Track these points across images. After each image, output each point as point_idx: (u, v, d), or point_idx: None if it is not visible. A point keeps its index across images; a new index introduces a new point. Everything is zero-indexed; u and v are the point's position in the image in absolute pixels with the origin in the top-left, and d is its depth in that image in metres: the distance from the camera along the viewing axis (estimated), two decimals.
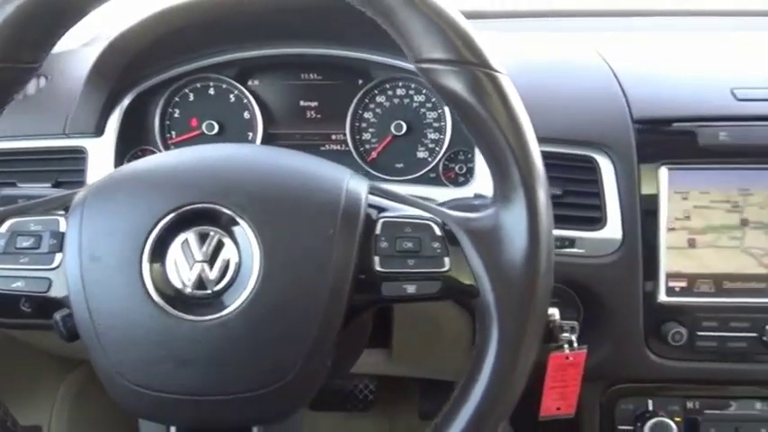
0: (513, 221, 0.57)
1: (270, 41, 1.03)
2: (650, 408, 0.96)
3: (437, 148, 1.02)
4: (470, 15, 1.19)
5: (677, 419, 0.97)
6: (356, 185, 0.61)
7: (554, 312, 0.87)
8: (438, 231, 0.59)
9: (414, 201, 0.63)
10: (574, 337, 0.86)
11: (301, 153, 0.64)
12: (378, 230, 0.59)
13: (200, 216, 0.57)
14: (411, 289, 0.57)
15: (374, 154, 1.05)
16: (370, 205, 0.61)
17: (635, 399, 0.97)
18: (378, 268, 0.58)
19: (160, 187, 0.58)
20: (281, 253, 0.55)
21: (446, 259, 0.58)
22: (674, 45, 1.13)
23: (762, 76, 0.94)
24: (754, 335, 0.87)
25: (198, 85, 1.05)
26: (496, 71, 0.57)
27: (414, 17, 0.56)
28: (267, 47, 1.03)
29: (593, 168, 0.89)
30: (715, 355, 0.88)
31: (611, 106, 0.90)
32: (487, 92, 0.56)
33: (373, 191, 0.63)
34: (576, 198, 0.89)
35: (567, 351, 0.87)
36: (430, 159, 1.03)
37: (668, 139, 0.88)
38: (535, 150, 0.57)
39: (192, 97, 1.06)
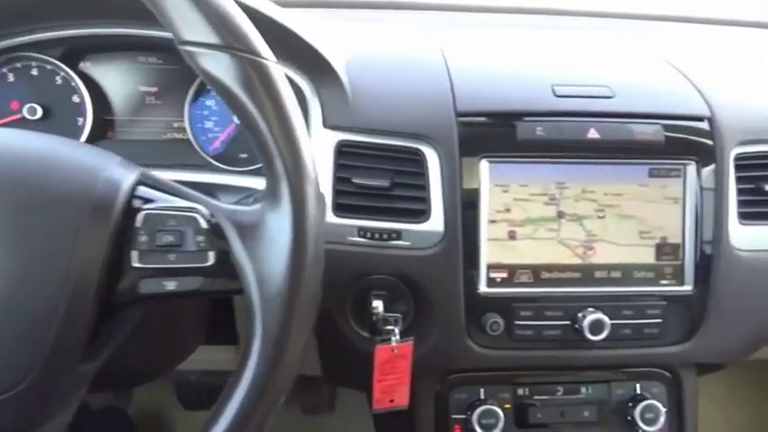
0: (278, 216, 0.54)
1: (100, 19, 0.97)
2: (482, 396, 0.99)
3: None
4: (324, 4, 1.16)
5: (507, 406, 1.00)
6: (120, 175, 0.57)
7: (378, 305, 0.87)
8: (204, 224, 0.56)
9: (184, 191, 0.59)
10: (397, 329, 0.87)
11: (61, 139, 0.60)
12: (138, 223, 0.56)
13: None
14: (171, 285, 0.55)
15: (217, 143, 1.01)
16: (137, 196, 0.58)
17: (468, 388, 0.99)
18: (135, 264, 0.55)
19: None
20: (17, 246, 0.50)
21: (210, 254, 0.56)
22: (510, 41, 1.16)
23: (581, 73, 0.98)
24: (567, 323, 0.90)
25: (18, 64, 0.98)
26: (263, 58, 0.56)
27: None
28: (97, 26, 0.97)
29: (421, 161, 0.90)
30: (533, 343, 0.91)
31: (438, 100, 0.91)
32: (251, 79, 0.54)
33: (145, 180, 0.60)
34: (404, 190, 0.90)
35: (392, 343, 0.88)
36: None
37: (489, 133, 0.90)
38: (303, 143, 0.55)
39: (11, 78, 0.97)
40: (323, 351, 0.97)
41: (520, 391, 0.99)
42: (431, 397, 0.98)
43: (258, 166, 1.01)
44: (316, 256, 0.55)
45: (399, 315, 0.86)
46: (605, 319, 0.88)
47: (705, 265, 0.91)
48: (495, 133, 0.89)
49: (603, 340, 0.89)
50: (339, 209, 0.89)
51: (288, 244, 0.54)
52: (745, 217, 0.92)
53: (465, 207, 0.87)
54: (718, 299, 0.92)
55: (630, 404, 0.99)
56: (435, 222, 0.88)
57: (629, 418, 0.98)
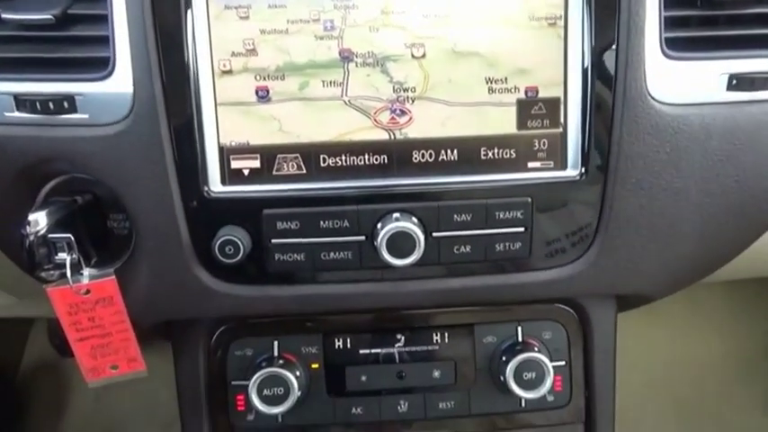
0: None
1: None
2: (275, 353, 0.67)
3: None
4: None
5: (314, 366, 0.68)
6: None
7: (38, 220, 0.54)
8: None
9: None
10: (68, 259, 0.54)
11: None
12: None
13: None
14: None
15: None
16: None
17: (255, 341, 0.65)
18: None
19: None
20: None
21: None
22: None
23: None
24: (361, 238, 0.54)
25: None
26: None
27: None
28: None
29: None
30: (305, 274, 0.56)
31: None
32: None
33: None
34: (80, 27, 0.53)
35: (70, 282, 0.56)
36: None
37: None
38: None
39: None
40: None
41: (335, 343, 0.67)
42: (197, 353, 0.66)
43: None
44: None
45: (69, 236, 0.53)
46: (415, 230, 0.52)
47: (603, 133, 0.53)
48: None
49: (421, 266, 0.54)
50: None
51: None
52: (675, 45, 0.53)
53: (169, 49, 0.51)
54: (627, 189, 0.55)
55: (504, 358, 0.67)
56: (121, 78, 0.52)
57: (501, 378, 0.67)
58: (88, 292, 0.56)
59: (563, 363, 0.67)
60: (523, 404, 0.67)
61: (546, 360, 0.64)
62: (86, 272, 0.54)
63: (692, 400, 1.38)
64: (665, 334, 1.45)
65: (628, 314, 0.74)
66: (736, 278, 1.08)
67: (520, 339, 0.67)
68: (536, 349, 0.65)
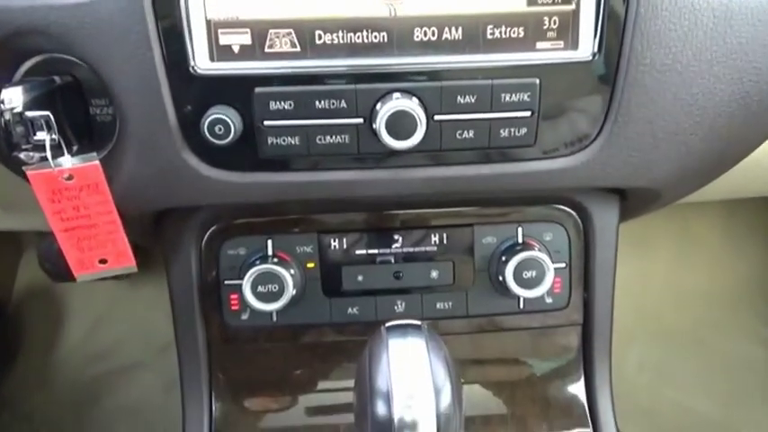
0: None
1: None
2: (269, 251, 0.65)
3: None
4: None
5: (310, 265, 0.67)
6: None
7: (11, 97, 0.50)
8: None
9: None
10: (47, 138, 0.51)
11: None
12: None
13: None
14: None
15: None
16: None
17: (248, 239, 0.64)
18: None
19: None
20: None
21: None
22: None
23: None
24: (359, 121, 0.51)
25: None
26: None
27: None
28: None
29: None
30: (300, 159, 0.53)
31: None
32: None
33: None
34: None
35: (51, 164, 0.53)
36: None
37: None
38: None
39: None
40: None
41: (330, 242, 0.66)
42: (188, 254, 0.64)
43: None
44: None
45: (47, 114, 0.50)
46: (416, 110, 0.49)
47: (618, 10, 0.50)
48: None
49: (420, 151, 0.51)
50: None
51: None
52: None
53: None
54: (640, 71, 0.51)
55: (503, 258, 0.66)
56: None
57: (500, 278, 0.66)
58: (71, 177, 0.54)
59: (563, 265, 0.66)
60: (522, 305, 0.66)
61: (546, 258, 0.62)
62: (68, 157, 0.52)
63: (681, 328, 1.40)
64: (659, 263, 1.46)
65: (622, 243, 0.73)
66: (739, 196, 1.07)
67: (520, 240, 0.66)
68: (536, 249, 0.64)
